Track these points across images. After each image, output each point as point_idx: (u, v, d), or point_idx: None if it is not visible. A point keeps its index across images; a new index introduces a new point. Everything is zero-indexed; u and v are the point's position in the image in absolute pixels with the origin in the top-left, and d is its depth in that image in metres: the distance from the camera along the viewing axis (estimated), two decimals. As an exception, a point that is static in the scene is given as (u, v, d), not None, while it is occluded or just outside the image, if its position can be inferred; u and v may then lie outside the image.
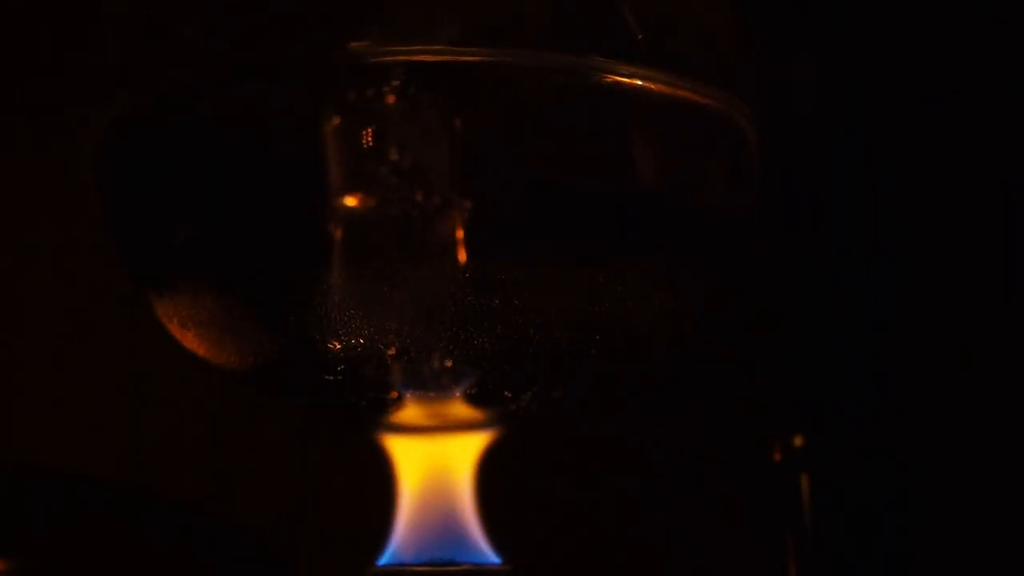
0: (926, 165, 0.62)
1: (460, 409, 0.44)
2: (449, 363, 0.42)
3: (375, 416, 0.45)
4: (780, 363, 0.61)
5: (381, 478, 0.46)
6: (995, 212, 0.62)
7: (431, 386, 0.43)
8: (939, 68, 0.63)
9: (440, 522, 0.45)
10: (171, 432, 0.63)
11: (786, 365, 0.61)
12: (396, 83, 0.39)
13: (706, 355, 0.62)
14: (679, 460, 0.65)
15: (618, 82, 0.40)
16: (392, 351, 0.41)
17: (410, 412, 0.44)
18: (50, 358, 0.63)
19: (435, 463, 0.45)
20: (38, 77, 0.62)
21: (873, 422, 0.59)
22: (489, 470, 0.46)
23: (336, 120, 0.39)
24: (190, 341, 0.45)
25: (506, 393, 0.44)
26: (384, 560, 0.44)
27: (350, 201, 0.39)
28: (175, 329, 0.45)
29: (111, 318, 0.62)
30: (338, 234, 0.40)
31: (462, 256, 0.40)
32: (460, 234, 0.39)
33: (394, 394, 0.43)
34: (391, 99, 0.39)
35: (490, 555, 0.44)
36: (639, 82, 0.40)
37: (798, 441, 0.57)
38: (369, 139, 0.39)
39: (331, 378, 0.43)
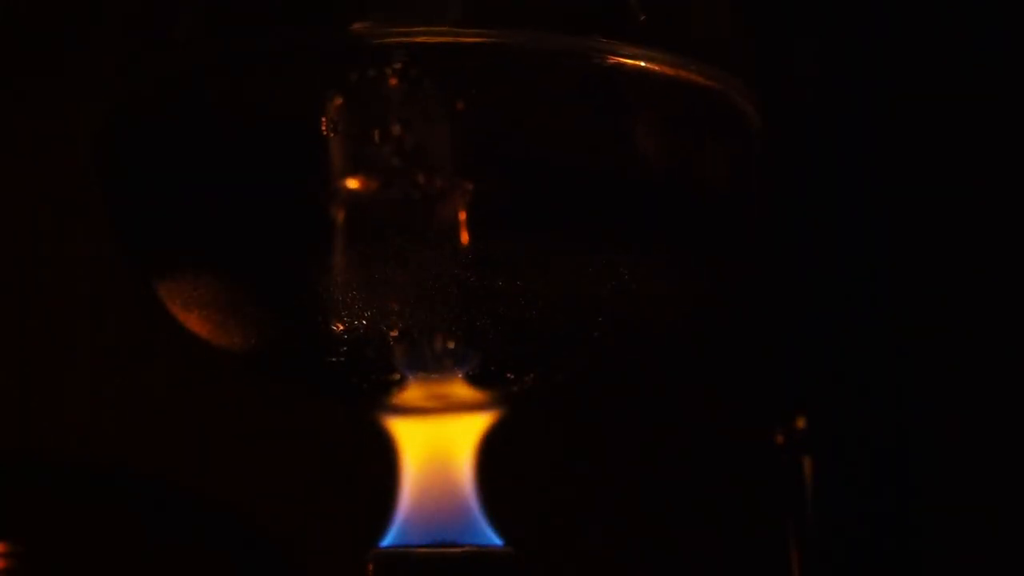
0: (928, 146, 0.62)
1: (462, 391, 0.44)
2: (451, 345, 0.42)
3: (377, 398, 0.45)
4: (782, 345, 0.61)
5: (383, 460, 0.46)
6: (1000, 197, 0.62)
7: (433, 368, 0.43)
8: (943, 55, 0.62)
9: (442, 504, 0.45)
10: (172, 418, 0.63)
11: (788, 347, 0.61)
12: (398, 65, 0.39)
13: (708, 337, 0.62)
14: (681, 442, 0.65)
15: (620, 63, 0.40)
16: (394, 333, 0.41)
17: (412, 394, 0.44)
18: (51, 347, 0.63)
19: (437, 445, 0.45)
20: (38, 73, 0.63)
21: (876, 404, 0.59)
22: (491, 451, 0.46)
23: (338, 102, 0.39)
24: (193, 323, 0.45)
25: (508, 375, 0.44)
26: (387, 542, 0.44)
27: (352, 183, 0.39)
28: (178, 311, 0.45)
29: (113, 305, 0.62)
30: (340, 216, 0.40)
31: (464, 238, 0.40)
32: (462, 216, 0.39)
33: (396, 376, 0.43)
34: (393, 81, 0.39)
35: (492, 537, 0.44)
36: (641, 63, 0.40)
37: (800, 424, 0.57)
38: (371, 121, 0.39)
39: (334, 360, 0.43)
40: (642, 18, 0.41)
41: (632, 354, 0.48)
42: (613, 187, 0.41)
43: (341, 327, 0.42)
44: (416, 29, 0.39)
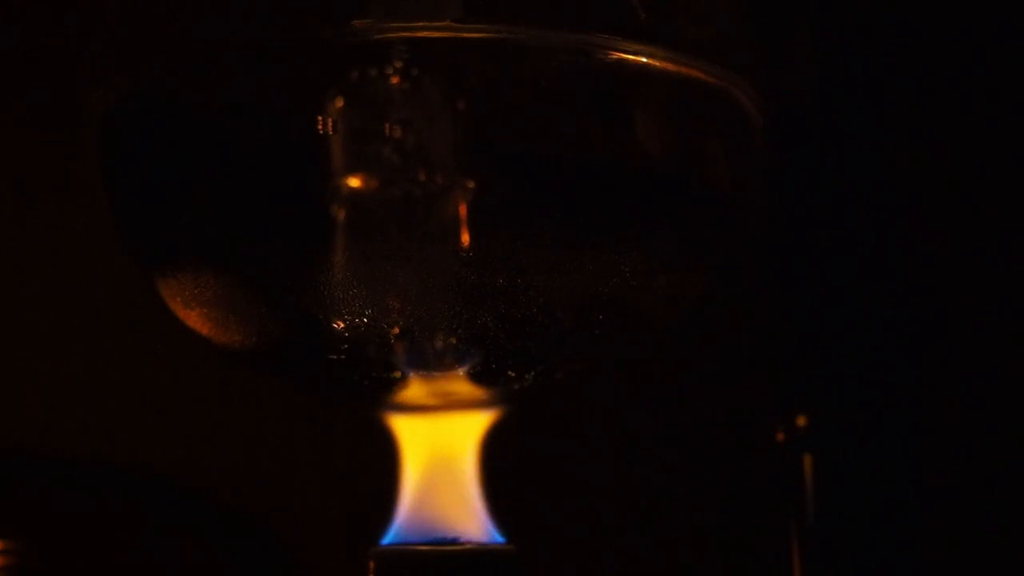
0: (928, 146, 0.62)
1: (463, 388, 0.44)
2: (453, 342, 0.42)
3: (379, 396, 0.45)
4: (783, 343, 0.61)
5: (385, 458, 0.46)
6: (1001, 196, 0.62)
7: (435, 365, 0.43)
8: (943, 56, 0.63)
9: (444, 502, 0.45)
10: (173, 416, 0.63)
11: (789, 345, 0.61)
12: (399, 61, 0.39)
13: (709, 334, 0.62)
14: (682, 440, 0.65)
15: (622, 59, 0.40)
16: (396, 330, 0.41)
17: (414, 391, 0.44)
18: (52, 343, 0.63)
19: (439, 442, 0.45)
20: (38, 70, 0.63)
21: (877, 402, 0.59)
22: (493, 449, 0.46)
23: (339, 99, 0.39)
24: (194, 321, 0.45)
25: (509, 372, 0.44)
26: (388, 540, 0.44)
27: (353, 181, 0.39)
28: (179, 309, 0.45)
29: (114, 302, 0.62)
30: (341, 214, 0.40)
31: (465, 236, 0.40)
32: (463, 213, 0.39)
33: (398, 373, 0.43)
34: (394, 77, 0.39)
35: (494, 535, 0.44)
36: (643, 59, 0.40)
37: (801, 421, 0.57)
38: (372, 118, 0.39)
39: (335, 358, 0.43)
40: (643, 15, 0.41)
41: (633, 352, 0.48)
42: (614, 184, 0.41)
43: (342, 325, 0.42)
44: (417, 25, 0.39)
